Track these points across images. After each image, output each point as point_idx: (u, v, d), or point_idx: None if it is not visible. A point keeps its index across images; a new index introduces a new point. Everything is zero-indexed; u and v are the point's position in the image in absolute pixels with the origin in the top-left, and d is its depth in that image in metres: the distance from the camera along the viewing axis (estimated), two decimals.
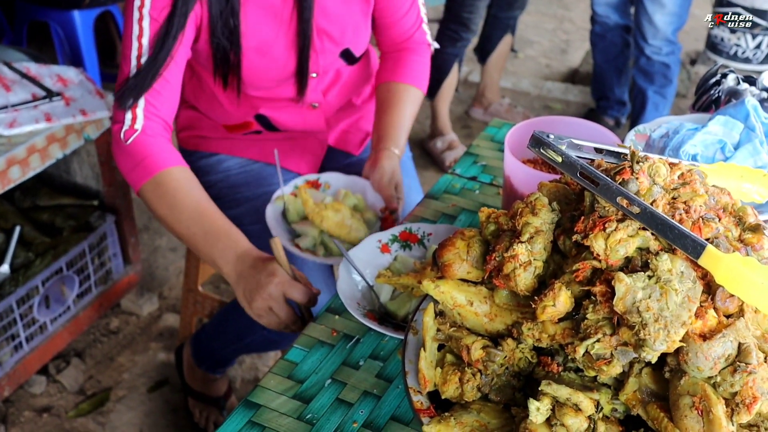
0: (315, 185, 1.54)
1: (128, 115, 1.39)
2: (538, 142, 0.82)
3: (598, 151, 0.92)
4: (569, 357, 0.81)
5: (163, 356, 2.32)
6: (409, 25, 1.65)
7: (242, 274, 1.28)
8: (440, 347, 0.92)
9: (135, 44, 1.38)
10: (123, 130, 1.38)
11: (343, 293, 1.15)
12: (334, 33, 1.54)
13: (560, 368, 0.83)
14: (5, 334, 1.98)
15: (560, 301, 0.78)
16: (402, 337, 1.08)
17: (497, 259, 0.85)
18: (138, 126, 1.38)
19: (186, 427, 2.11)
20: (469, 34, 3.08)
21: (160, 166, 1.37)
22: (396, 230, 1.27)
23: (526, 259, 0.83)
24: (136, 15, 1.38)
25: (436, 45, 1.70)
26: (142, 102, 1.38)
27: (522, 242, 0.83)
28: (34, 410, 2.15)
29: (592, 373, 0.79)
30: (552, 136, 0.82)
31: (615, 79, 3.27)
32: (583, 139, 1.20)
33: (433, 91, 3.19)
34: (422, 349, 0.88)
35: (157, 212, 1.39)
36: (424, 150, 3.32)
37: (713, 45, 3.44)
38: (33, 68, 2.04)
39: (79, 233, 2.15)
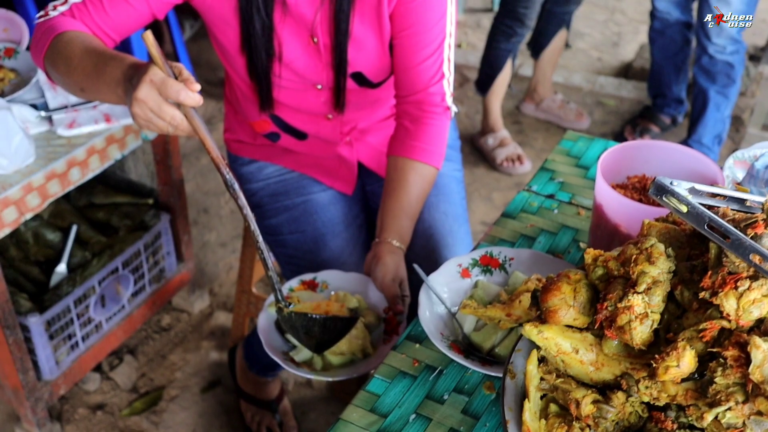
0: (311, 285, 1.44)
1: (50, 8, 1.35)
2: (661, 189, 0.77)
3: (713, 195, 0.86)
4: (690, 419, 0.76)
5: (216, 356, 2.31)
6: (429, 75, 1.47)
7: (126, 88, 1.15)
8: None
9: None
10: (38, 17, 1.34)
11: (426, 323, 1.11)
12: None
13: (674, 425, 0.79)
14: (62, 334, 1.97)
15: (685, 362, 0.73)
16: (488, 373, 1.05)
17: (609, 308, 0.81)
18: (53, 13, 1.34)
19: (239, 429, 2.10)
20: (524, 30, 3.01)
21: (59, 31, 1.30)
22: (477, 254, 1.23)
23: (643, 311, 0.78)
24: None
25: (456, 109, 1.54)
26: (67, 5, 1.34)
27: (638, 293, 0.79)
28: (89, 407, 2.15)
29: None
30: (675, 183, 0.77)
31: (673, 76, 3.18)
32: (680, 166, 1.15)
33: (485, 87, 3.12)
34: (526, 399, 0.84)
35: (56, 73, 1.29)
36: (475, 147, 3.26)
37: None
38: None
39: (135, 232, 2.13)
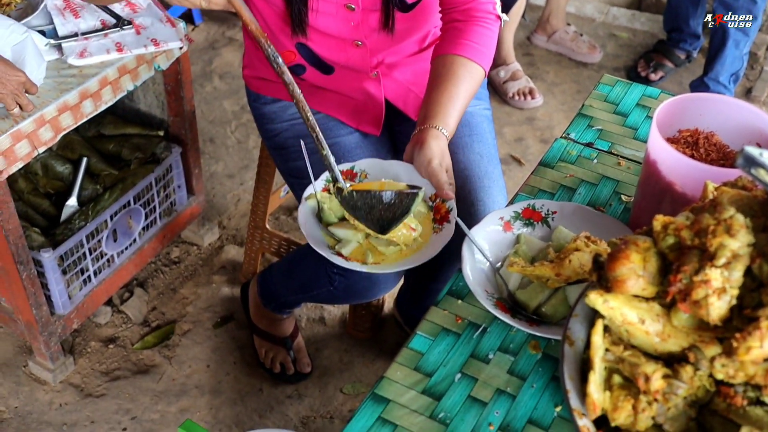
0: (350, 176, 1.35)
1: None
2: (749, 161, 0.73)
3: None
4: (761, 395, 0.74)
5: (227, 291, 2.29)
6: None
7: None
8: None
9: None
10: None
11: (470, 279, 1.08)
12: None
13: (744, 401, 0.77)
14: (75, 268, 1.94)
15: None
16: (535, 333, 1.03)
17: (683, 281, 0.78)
18: None
19: (253, 365, 2.10)
20: None
21: None
22: (518, 207, 1.19)
23: (721, 286, 0.75)
24: None
25: (506, 17, 1.48)
26: None
27: (717, 267, 0.75)
28: (101, 341, 2.14)
29: None
30: (765, 154, 0.73)
31: (691, 10, 3.09)
32: (736, 121, 1.11)
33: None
34: (591, 371, 0.82)
35: None
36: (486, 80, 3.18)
37: None
38: None
39: (146, 165, 2.08)
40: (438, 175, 1.27)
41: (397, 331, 2.18)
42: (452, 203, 1.28)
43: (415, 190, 1.21)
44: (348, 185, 1.26)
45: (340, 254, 1.24)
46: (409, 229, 1.25)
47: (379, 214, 1.21)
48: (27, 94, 1.60)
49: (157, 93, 2.12)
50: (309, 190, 1.31)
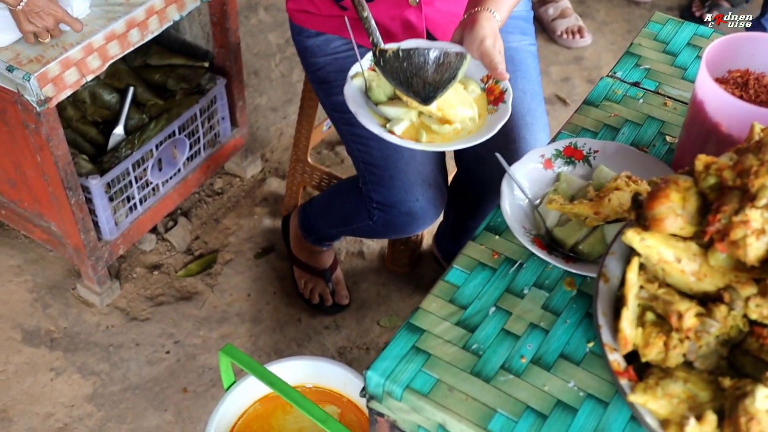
0: None
1: None
2: None
3: None
4: None
5: (268, 222, 2.32)
6: None
7: None
8: None
9: None
10: None
11: (508, 216, 1.08)
12: None
13: None
14: (121, 196, 1.98)
15: None
16: (571, 270, 1.03)
17: (722, 221, 0.77)
18: None
19: (292, 295, 2.14)
20: None
21: None
22: (560, 144, 1.18)
23: (760, 227, 0.75)
24: None
25: None
26: None
27: (757, 208, 0.75)
28: (145, 267, 2.20)
29: None
30: None
31: None
32: None
33: None
34: (624, 307, 0.82)
35: None
36: (533, 17, 3.12)
37: None
38: None
39: (191, 96, 2.10)
40: (491, 54, 1.22)
41: (435, 267, 2.20)
42: (506, 84, 1.24)
43: (462, 51, 1.14)
44: (391, 46, 1.19)
45: (392, 132, 1.19)
46: (464, 105, 1.19)
47: (425, 76, 1.15)
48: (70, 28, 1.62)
49: (203, 24, 2.12)
50: (355, 69, 1.26)
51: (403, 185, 1.59)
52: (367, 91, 1.25)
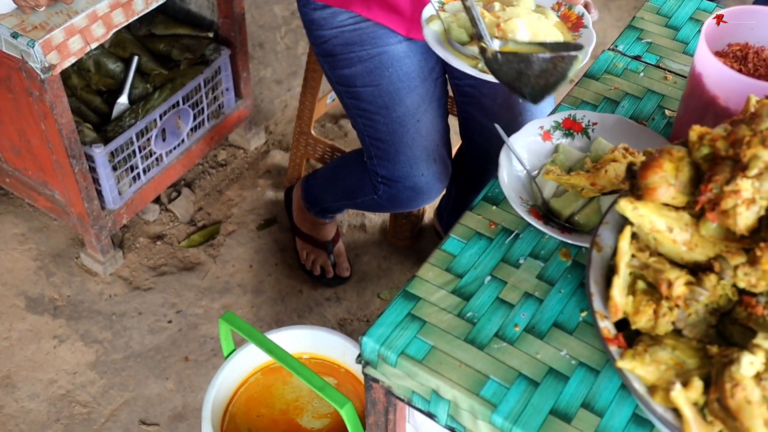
0: None
1: None
2: None
3: None
4: None
5: (271, 194, 2.33)
6: None
7: None
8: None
9: None
10: None
11: (505, 185, 1.09)
12: None
13: (766, 311, 0.78)
14: (125, 165, 2.00)
15: None
16: (566, 240, 1.04)
17: (714, 190, 0.78)
18: None
19: (294, 267, 2.16)
20: None
21: None
22: (559, 117, 1.19)
23: (750, 197, 0.76)
24: None
25: None
26: None
27: (748, 177, 0.76)
28: (149, 237, 2.21)
29: None
30: None
31: None
32: None
33: None
34: (615, 275, 0.83)
35: None
36: None
37: None
38: None
39: (195, 66, 2.10)
40: None
41: (436, 240, 2.22)
42: (580, 8, 1.22)
43: (573, 53, 1.06)
44: (495, 44, 1.12)
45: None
46: (550, 35, 1.15)
47: (529, 80, 1.09)
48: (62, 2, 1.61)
49: None
50: (428, 11, 1.21)
51: (408, 160, 1.60)
52: (446, 33, 1.19)
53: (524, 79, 1.08)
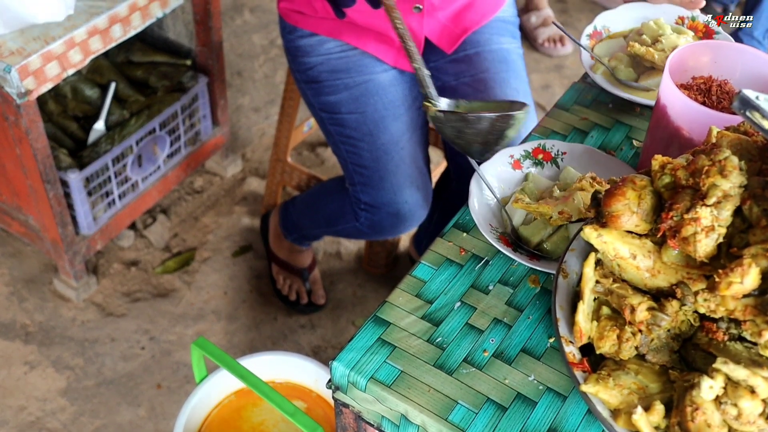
0: None
1: None
2: (745, 103, 0.74)
3: None
4: (744, 333, 0.77)
5: (247, 221, 2.34)
6: None
7: None
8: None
9: None
10: None
11: (476, 213, 1.11)
12: None
13: (725, 336, 0.80)
14: (100, 191, 2.00)
15: (749, 279, 0.73)
16: (534, 267, 1.06)
17: (675, 218, 0.80)
18: None
19: (268, 294, 2.16)
20: None
21: None
22: (529, 146, 1.21)
23: (710, 224, 0.78)
24: None
25: None
26: None
27: (707, 206, 0.78)
28: (123, 263, 2.21)
29: None
30: (761, 98, 0.74)
31: None
32: (752, 70, 1.11)
33: None
34: (580, 301, 0.85)
35: None
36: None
37: None
38: None
39: (172, 93, 2.12)
40: None
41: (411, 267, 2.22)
42: (701, 15, 1.32)
43: (512, 113, 1.08)
44: (442, 104, 1.15)
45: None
46: None
47: (468, 138, 1.11)
48: None
49: (186, 22, 2.14)
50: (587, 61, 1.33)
51: (392, 186, 1.62)
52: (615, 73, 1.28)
53: (464, 137, 1.12)
